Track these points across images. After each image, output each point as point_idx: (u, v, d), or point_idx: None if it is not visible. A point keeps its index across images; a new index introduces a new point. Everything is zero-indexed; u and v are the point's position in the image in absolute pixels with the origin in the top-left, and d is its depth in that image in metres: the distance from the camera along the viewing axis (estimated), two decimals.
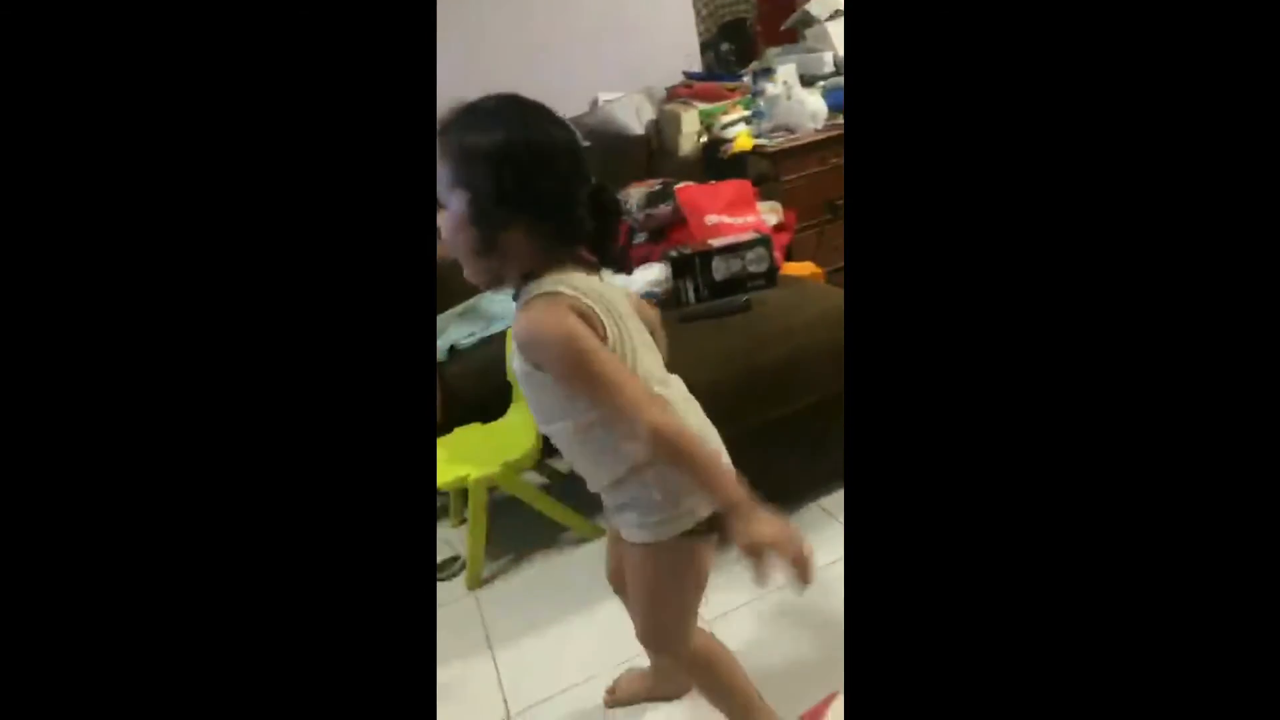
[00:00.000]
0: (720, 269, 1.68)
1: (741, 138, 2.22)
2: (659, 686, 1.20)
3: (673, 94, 2.55)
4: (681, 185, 2.01)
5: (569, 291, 0.76)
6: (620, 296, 0.84)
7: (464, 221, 0.75)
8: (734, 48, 2.76)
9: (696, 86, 2.51)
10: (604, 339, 0.76)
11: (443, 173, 0.75)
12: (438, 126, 0.75)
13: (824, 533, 1.56)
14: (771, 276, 1.70)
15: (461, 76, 2.28)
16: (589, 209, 0.78)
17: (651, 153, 2.41)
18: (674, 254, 1.69)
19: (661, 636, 0.97)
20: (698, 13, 2.85)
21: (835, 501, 1.62)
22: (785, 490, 1.64)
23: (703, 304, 1.66)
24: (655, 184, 2.07)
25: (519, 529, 1.68)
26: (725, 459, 0.86)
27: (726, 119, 2.30)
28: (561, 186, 0.76)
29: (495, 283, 0.81)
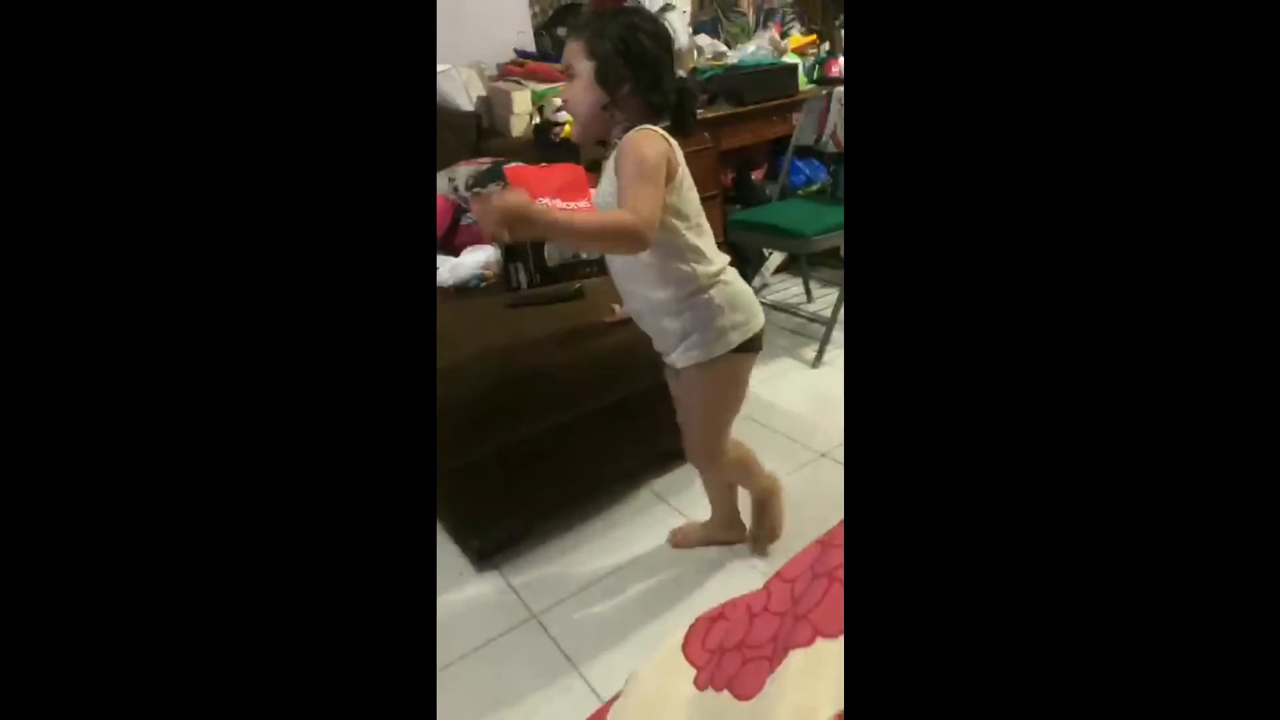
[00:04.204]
0: (553, 254, 1.65)
1: None
2: (718, 532, 1.45)
3: (504, 72, 2.46)
4: (512, 165, 1.94)
5: (662, 132, 1.05)
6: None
7: (590, 83, 1.05)
8: (567, 30, 2.73)
9: (529, 66, 2.45)
10: (674, 171, 1.04)
11: (574, 48, 1.06)
12: (573, 25, 1.08)
13: (654, 513, 1.60)
14: (604, 264, 1.70)
15: None
16: (674, 89, 1.07)
17: (481, 130, 2.31)
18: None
19: (712, 448, 1.26)
20: None
21: (665, 484, 1.67)
22: (618, 474, 1.66)
23: (534, 289, 1.62)
24: (485, 163, 1.99)
25: None
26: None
27: (559, 101, 2.26)
28: (659, 61, 1.06)
29: (605, 133, 1.10)
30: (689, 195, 1.08)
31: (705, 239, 1.11)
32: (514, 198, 0.89)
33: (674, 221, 1.06)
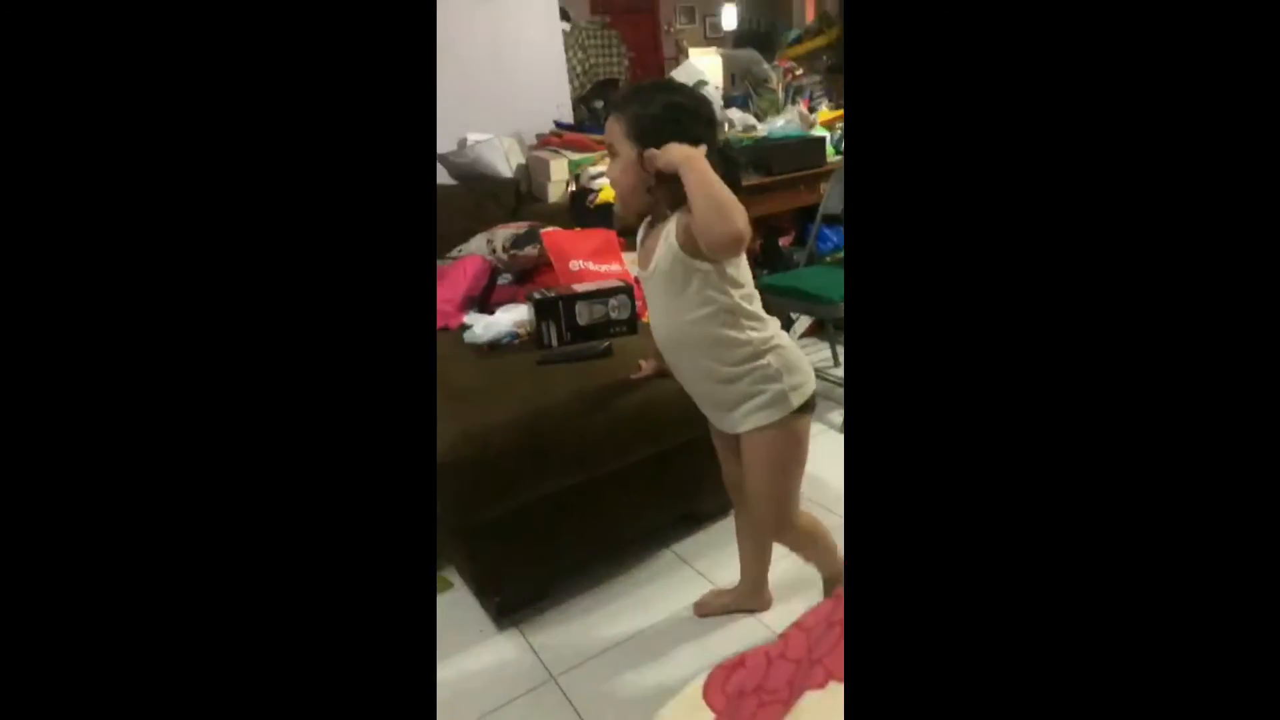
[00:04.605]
0: (583, 314, 1.70)
1: (608, 189, 2.29)
2: (744, 599, 1.43)
3: (543, 141, 2.58)
4: (548, 230, 2.02)
5: None
6: None
7: (633, 162, 1.07)
8: (606, 105, 2.87)
9: (566, 136, 2.57)
10: None
11: (616, 129, 1.08)
12: (611, 103, 1.19)
13: (677, 575, 1.57)
14: (633, 324, 1.74)
15: None
16: (718, 158, 1.06)
17: (519, 197, 2.41)
18: (538, 296, 1.69)
19: (782, 515, 1.23)
20: (572, 69, 2.94)
21: (689, 547, 1.65)
22: (642, 534, 1.65)
23: (565, 347, 1.66)
24: (522, 227, 2.07)
25: None
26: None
27: (594, 170, 2.36)
28: (701, 138, 1.05)
29: (649, 209, 1.13)
30: (741, 263, 1.11)
31: (757, 304, 1.14)
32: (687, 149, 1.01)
33: (730, 289, 1.08)
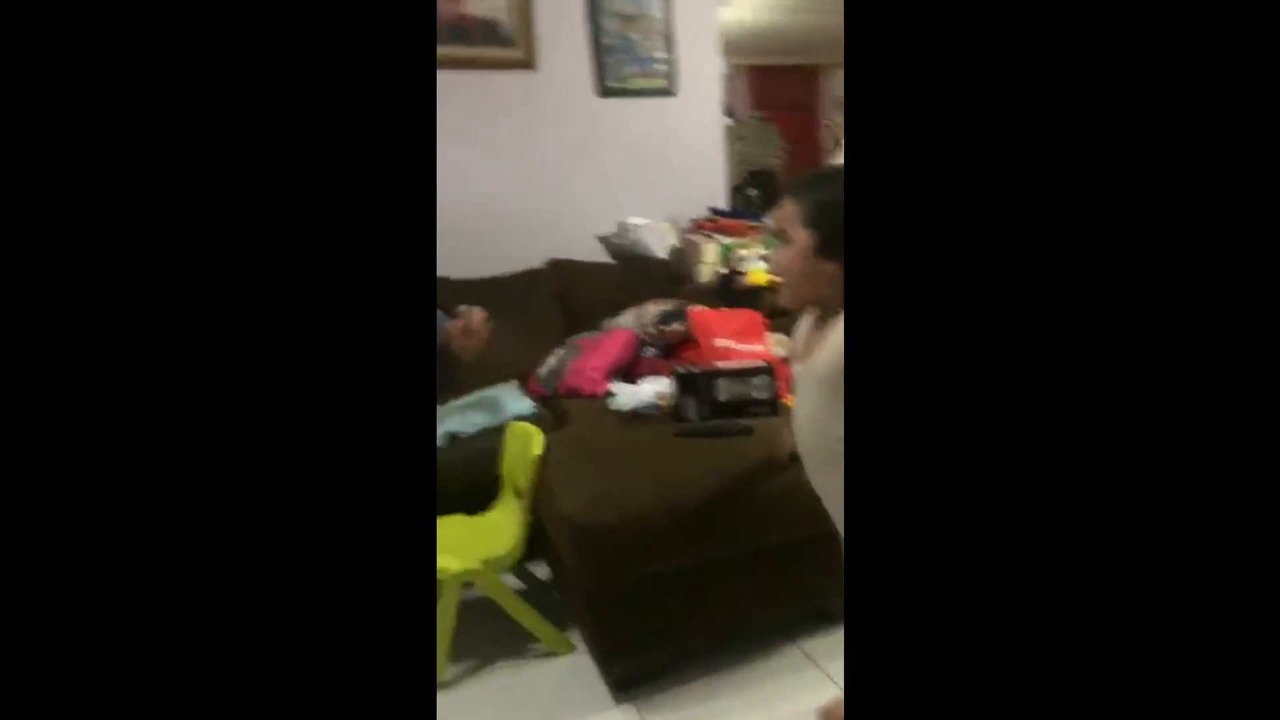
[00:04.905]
0: (724, 391, 1.72)
1: (757, 273, 2.33)
2: None
3: (697, 226, 2.70)
4: (695, 308, 2.09)
5: None
6: None
7: (806, 252, 1.01)
8: (760, 193, 2.96)
9: (720, 221, 2.67)
10: None
11: (792, 213, 1.02)
12: (790, 184, 1.08)
13: (803, 675, 1.48)
14: (774, 405, 1.72)
15: (515, 179, 2.43)
16: None
17: (671, 275, 2.52)
18: (681, 370, 1.73)
19: None
20: (730, 159, 3.08)
21: (819, 645, 1.56)
22: (770, 624, 1.58)
23: (704, 423, 1.68)
24: (671, 303, 2.16)
25: (487, 633, 1.61)
26: None
27: (744, 253, 2.43)
28: None
29: (811, 304, 1.08)
30: None
31: None
32: None
33: None
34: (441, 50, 2.15)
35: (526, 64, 2.26)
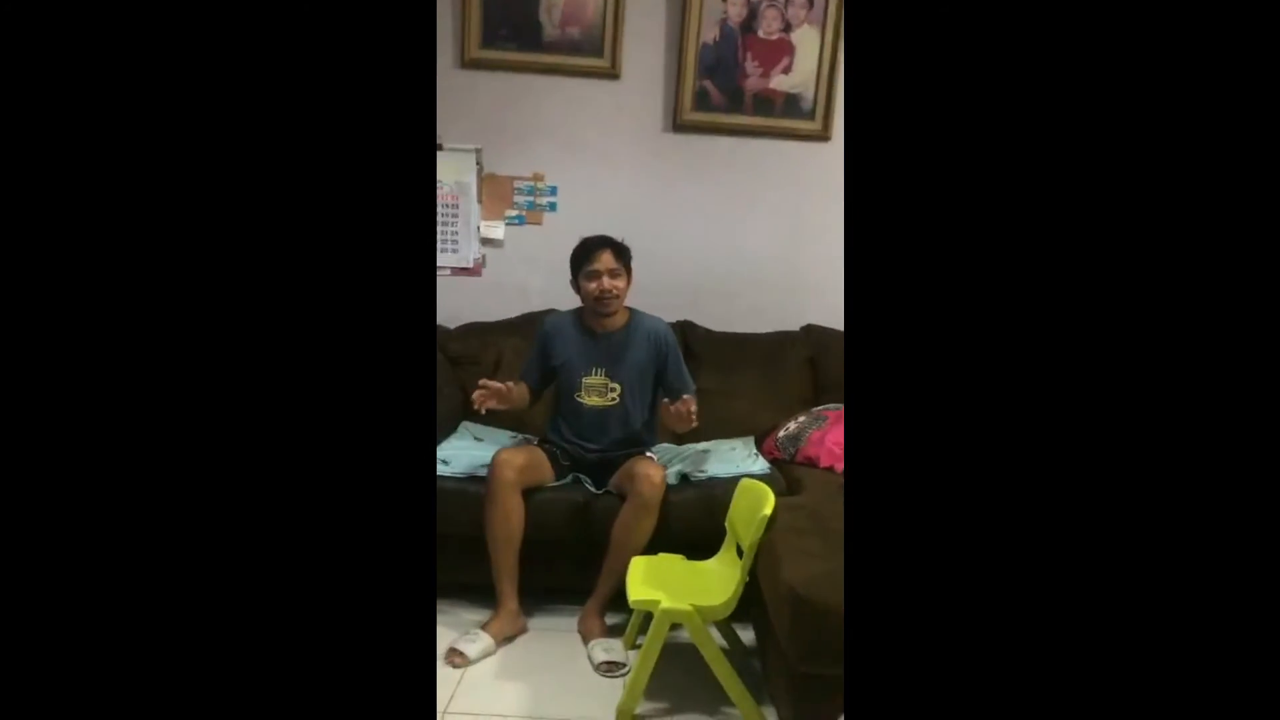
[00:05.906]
0: None
1: None
2: None
3: None
4: None
5: None
6: None
7: None
8: None
9: None
10: None
11: None
12: None
13: None
14: None
15: (792, 243, 2.46)
16: None
17: None
18: None
19: None
20: None
21: None
22: None
23: None
24: None
25: (683, 682, 1.61)
26: None
27: None
28: None
29: None
30: None
31: None
32: None
33: None
34: (746, 120, 2.31)
35: (823, 136, 2.32)
